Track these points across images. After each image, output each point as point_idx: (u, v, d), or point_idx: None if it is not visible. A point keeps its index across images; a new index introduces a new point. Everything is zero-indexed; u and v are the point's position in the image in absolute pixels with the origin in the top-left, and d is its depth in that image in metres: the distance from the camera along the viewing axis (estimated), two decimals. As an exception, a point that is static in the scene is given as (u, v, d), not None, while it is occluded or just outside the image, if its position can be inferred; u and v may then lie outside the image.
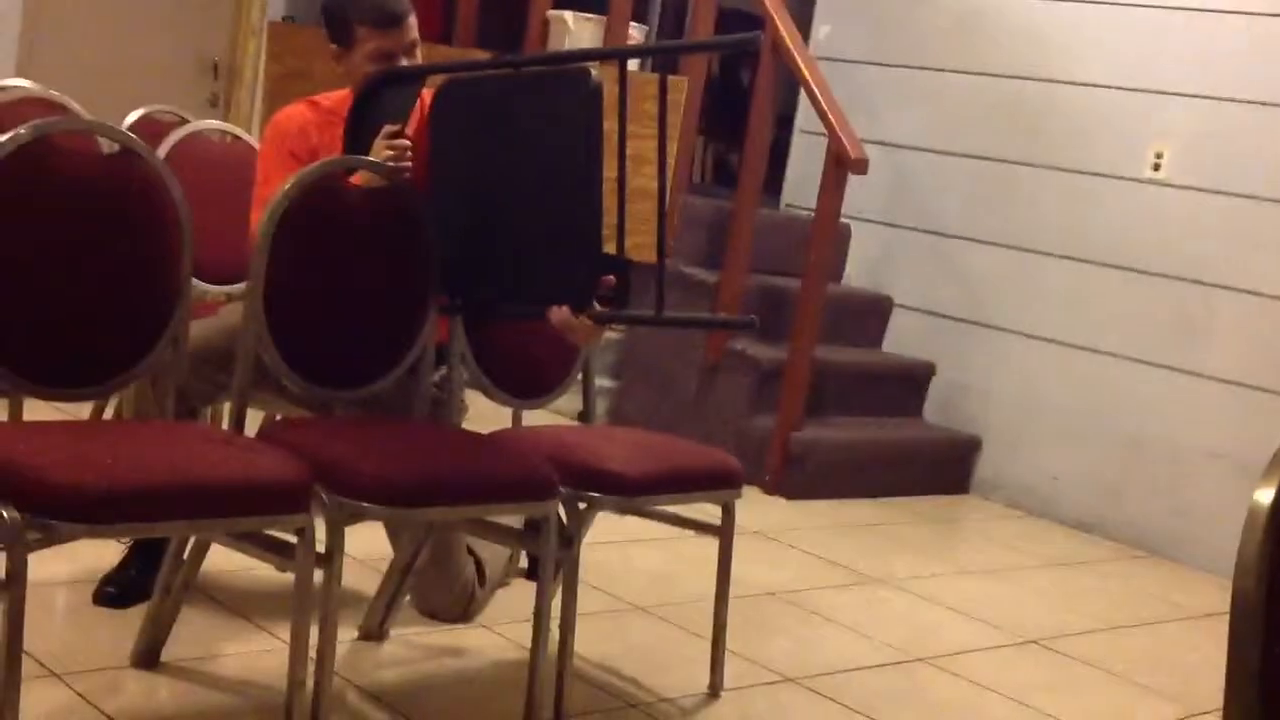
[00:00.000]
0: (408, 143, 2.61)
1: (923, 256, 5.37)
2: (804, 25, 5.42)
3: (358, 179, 2.62)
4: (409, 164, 2.60)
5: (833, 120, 4.52)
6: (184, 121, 3.77)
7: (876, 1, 5.56)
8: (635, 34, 5.32)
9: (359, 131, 2.65)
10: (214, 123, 3.95)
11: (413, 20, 2.74)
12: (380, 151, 2.58)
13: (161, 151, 3.36)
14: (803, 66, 4.65)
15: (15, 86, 3.75)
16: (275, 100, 5.82)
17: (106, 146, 2.49)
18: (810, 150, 5.42)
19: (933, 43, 5.37)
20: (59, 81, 4.88)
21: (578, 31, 5.27)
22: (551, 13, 5.34)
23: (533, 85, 2.44)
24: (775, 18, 4.66)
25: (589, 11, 5.32)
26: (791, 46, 4.64)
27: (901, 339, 5.42)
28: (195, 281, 2.69)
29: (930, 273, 5.34)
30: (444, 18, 5.80)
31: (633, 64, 5.27)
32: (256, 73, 5.90)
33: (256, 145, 3.79)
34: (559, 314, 2.37)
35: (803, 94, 5.07)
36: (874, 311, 5.46)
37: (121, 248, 2.43)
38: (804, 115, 5.55)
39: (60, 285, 2.36)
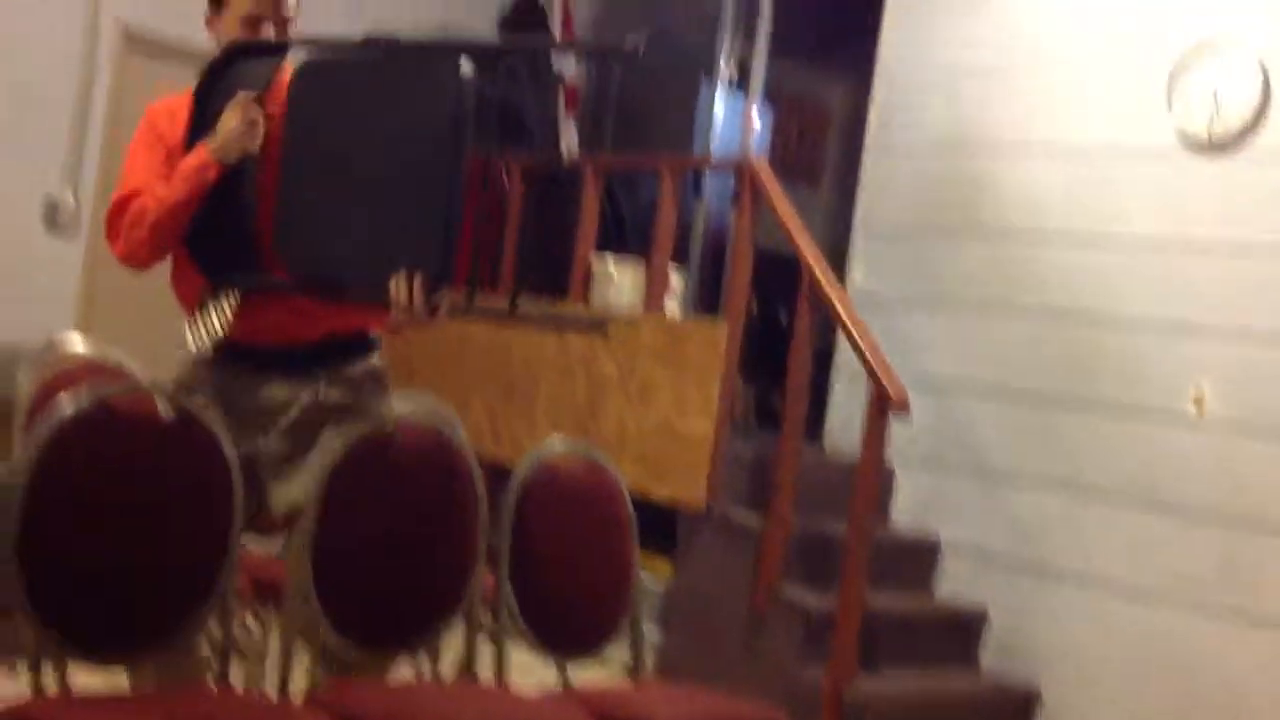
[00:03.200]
0: (259, 111, 2.48)
1: (971, 498, 5.32)
2: (839, 266, 5.52)
3: (205, 152, 2.46)
4: (259, 135, 2.48)
5: (873, 362, 4.55)
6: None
7: (913, 244, 5.67)
8: (675, 276, 5.43)
9: (208, 100, 2.52)
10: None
11: None
12: (229, 120, 2.46)
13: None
14: (840, 309, 4.71)
15: (73, 346, 3.84)
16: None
17: (164, 407, 2.53)
18: (851, 391, 5.44)
19: (972, 284, 5.43)
20: (117, 334, 5.03)
21: (619, 277, 5.39)
22: (594, 258, 5.47)
23: (401, 69, 2.46)
24: (811, 259, 4.75)
25: (629, 254, 5.45)
26: (828, 288, 4.72)
27: (953, 583, 5.32)
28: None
29: (979, 515, 5.28)
30: (489, 264, 5.95)
31: (673, 310, 5.37)
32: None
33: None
34: (400, 291, 2.32)
35: (841, 335, 5.13)
36: (923, 555, 5.38)
37: (177, 509, 2.46)
38: (843, 356, 5.59)
39: (117, 547, 2.37)
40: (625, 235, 6.08)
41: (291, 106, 2.45)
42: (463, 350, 5.56)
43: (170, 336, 5.33)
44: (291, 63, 2.54)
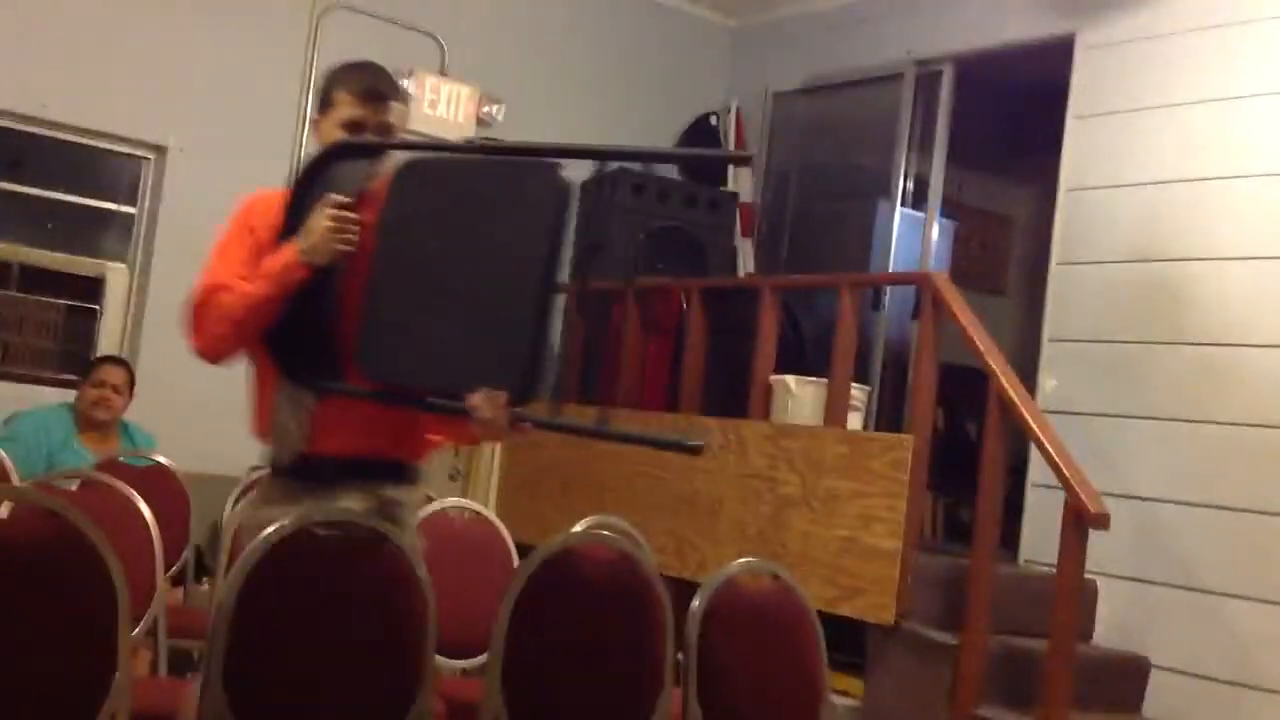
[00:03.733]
0: (353, 215, 2.40)
1: (1180, 614, 5.06)
2: (1028, 375, 5.40)
3: (293, 251, 2.40)
4: (352, 238, 2.40)
5: (1068, 475, 4.40)
6: (428, 500, 3.94)
7: (1105, 352, 5.51)
8: (858, 394, 5.38)
9: (304, 199, 2.45)
10: (455, 500, 4.10)
11: (397, 106, 2.57)
12: (320, 221, 2.39)
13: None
14: (1031, 421, 4.59)
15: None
16: (511, 474, 6.06)
17: (357, 533, 2.60)
18: (1045, 505, 5.27)
19: (1172, 392, 5.23)
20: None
21: (800, 394, 5.37)
22: (774, 378, 5.47)
23: (497, 174, 2.39)
24: (998, 370, 4.66)
25: (810, 375, 5.43)
26: (1018, 401, 4.61)
27: (1163, 703, 5.04)
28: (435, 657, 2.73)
29: (1190, 631, 5.02)
30: (668, 390, 6.00)
31: (855, 422, 5.32)
32: (491, 448, 6.16)
33: (496, 521, 3.95)
34: (481, 402, 2.23)
35: (1033, 448, 4.99)
36: (1130, 674, 5.12)
37: (374, 632, 2.51)
38: (1036, 469, 5.43)
39: (317, 669, 2.43)
40: (805, 353, 6.07)
41: (389, 205, 2.41)
42: (643, 469, 5.59)
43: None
44: (389, 168, 2.49)
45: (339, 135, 2.50)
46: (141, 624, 3.24)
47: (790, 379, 5.42)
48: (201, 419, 4.92)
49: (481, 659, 3.27)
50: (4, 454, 4.11)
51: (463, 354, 2.28)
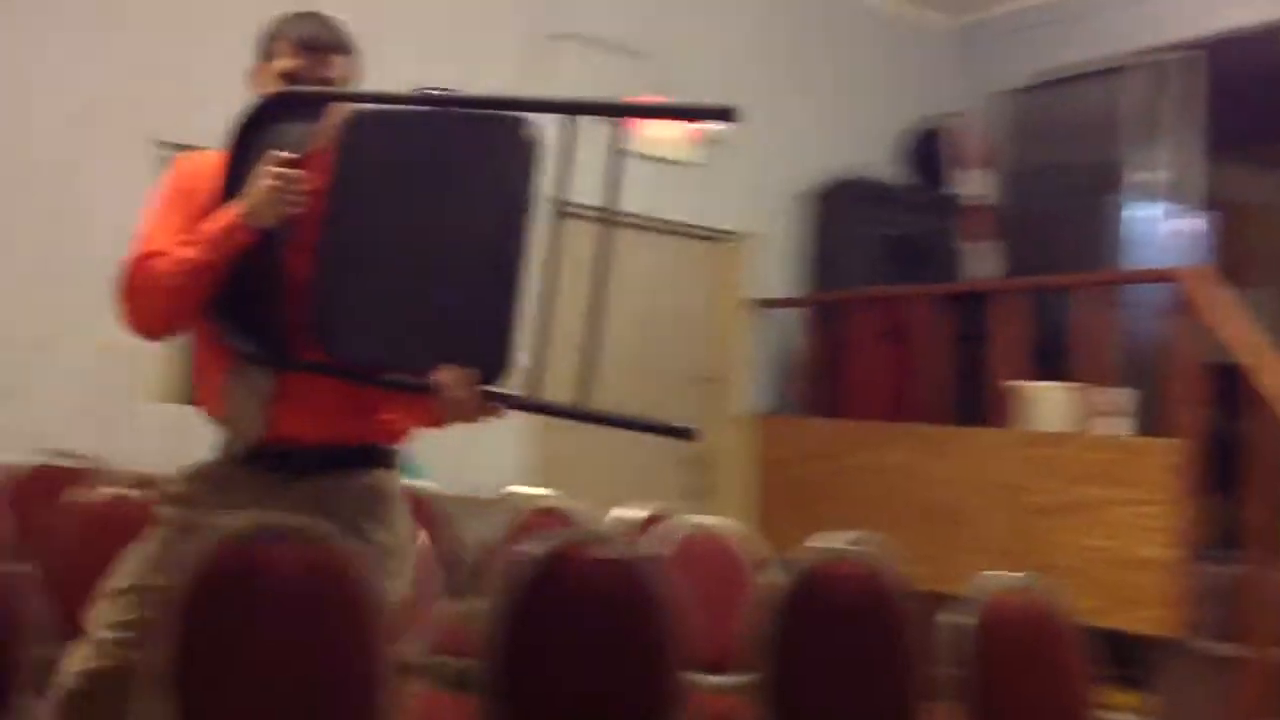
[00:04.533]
0: (297, 172, 2.16)
1: None
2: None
3: (234, 213, 2.15)
4: (298, 199, 2.16)
5: (1350, 473, 4.12)
6: (675, 516, 3.95)
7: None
8: (1117, 398, 5.16)
9: (243, 158, 2.20)
10: (703, 517, 4.09)
11: (339, 60, 2.30)
12: (263, 180, 2.14)
13: (656, 548, 3.51)
14: (1306, 418, 4.32)
15: (526, 496, 4.10)
16: (759, 491, 6.03)
17: (608, 552, 2.63)
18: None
19: None
20: (560, 480, 5.30)
21: (1047, 399, 5.17)
22: (1017, 383, 5.29)
23: (457, 129, 2.14)
24: (1269, 367, 4.40)
25: (1058, 379, 5.23)
26: (1291, 398, 4.34)
27: None
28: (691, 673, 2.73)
29: None
30: (909, 393, 5.87)
31: (1114, 427, 5.08)
32: (739, 464, 6.15)
33: (746, 540, 3.92)
34: (449, 381, 2.03)
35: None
36: None
37: (622, 649, 2.53)
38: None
39: (572, 686, 2.46)
40: (1051, 357, 5.85)
41: (337, 163, 2.18)
42: (878, 478, 5.49)
43: (602, 479, 5.60)
44: (336, 125, 2.24)
45: (271, 88, 2.27)
46: (411, 644, 3.33)
47: (1035, 384, 5.23)
48: (450, 444, 5.07)
49: (732, 677, 3.27)
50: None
51: (428, 328, 2.08)
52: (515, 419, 5.90)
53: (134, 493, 3.37)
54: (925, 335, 5.64)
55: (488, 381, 2.02)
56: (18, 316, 4.55)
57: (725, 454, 6.20)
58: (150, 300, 2.18)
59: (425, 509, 4.21)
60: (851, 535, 3.73)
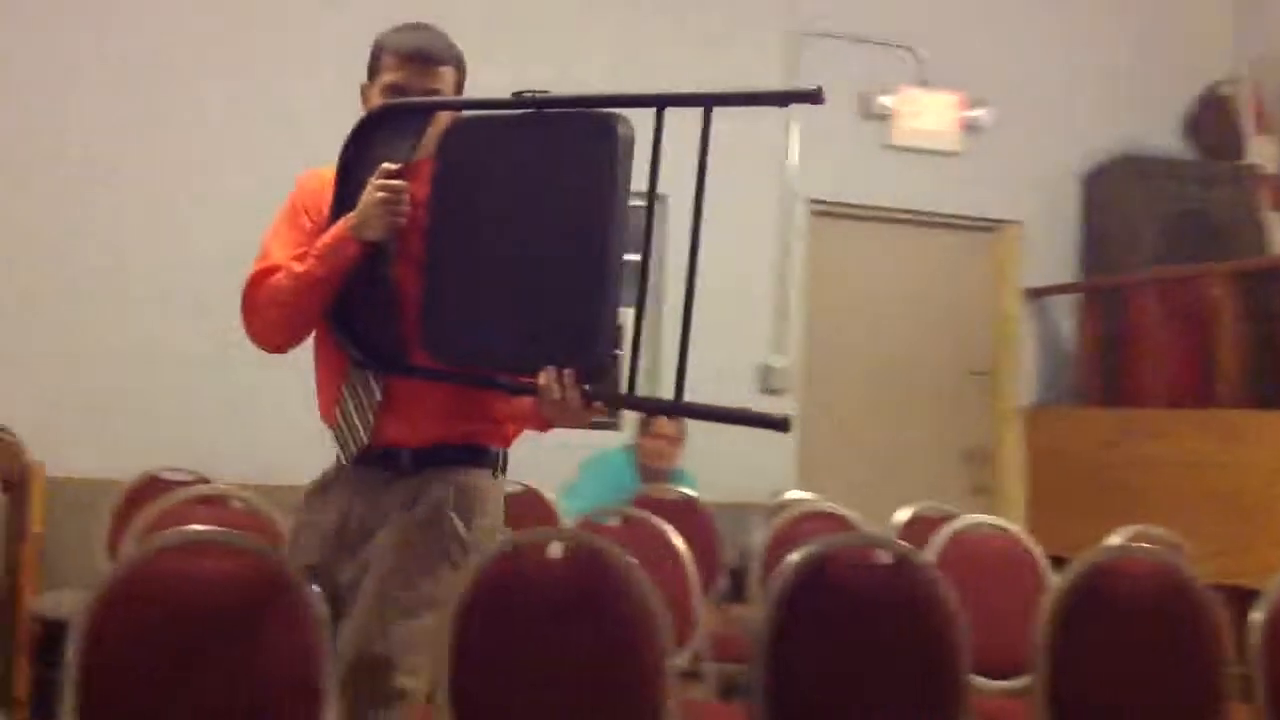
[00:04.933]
0: (402, 184, 2.20)
1: None
2: None
3: (343, 227, 2.21)
4: (404, 209, 2.21)
5: None
6: (951, 517, 3.87)
7: None
8: None
9: (352, 173, 2.26)
10: (979, 517, 3.99)
11: (446, 72, 2.31)
12: (373, 194, 2.19)
13: (929, 552, 3.46)
14: None
15: (797, 500, 4.10)
16: (1037, 485, 5.84)
17: (882, 555, 2.60)
18: None
19: None
20: (830, 483, 5.28)
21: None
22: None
23: (547, 129, 2.12)
24: None
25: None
26: None
27: None
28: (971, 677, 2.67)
29: None
30: (1203, 377, 5.56)
31: None
32: (1017, 459, 5.97)
33: (1022, 537, 3.81)
34: (549, 383, 2.01)
35: None
36: None
37: (899, 653, 2.50)
38: None
39: (853, 688, 2.45)
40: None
41: (438, 173, 2.22)
42: (1167, 468, 5.22)
43: (877, 480, 5.53)
44: (436, 134, 2.27)
45: (378, 102, 2.31)
46: (687, 650, 3.38)
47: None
48: (720, 452, 5.12)
49: (1015, 680, 3.17)
50: (572, 502, 4.41)
51: (528, 330, 2.08)
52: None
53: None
54: (1220, 315, 5.33)
55: (588, 380, 2.01)
56: (190, 335, 4.78)
57: (1002, 449, 6.03)
58: (268, 314, 2.27)
59: (693, 516, 4.27)
60: (1138, 529, 3.57)
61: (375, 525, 2.29)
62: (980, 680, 3.26)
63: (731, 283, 5.72)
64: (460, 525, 2.27)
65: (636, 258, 2.01)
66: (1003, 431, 6.03)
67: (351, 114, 2.32)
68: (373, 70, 2.34)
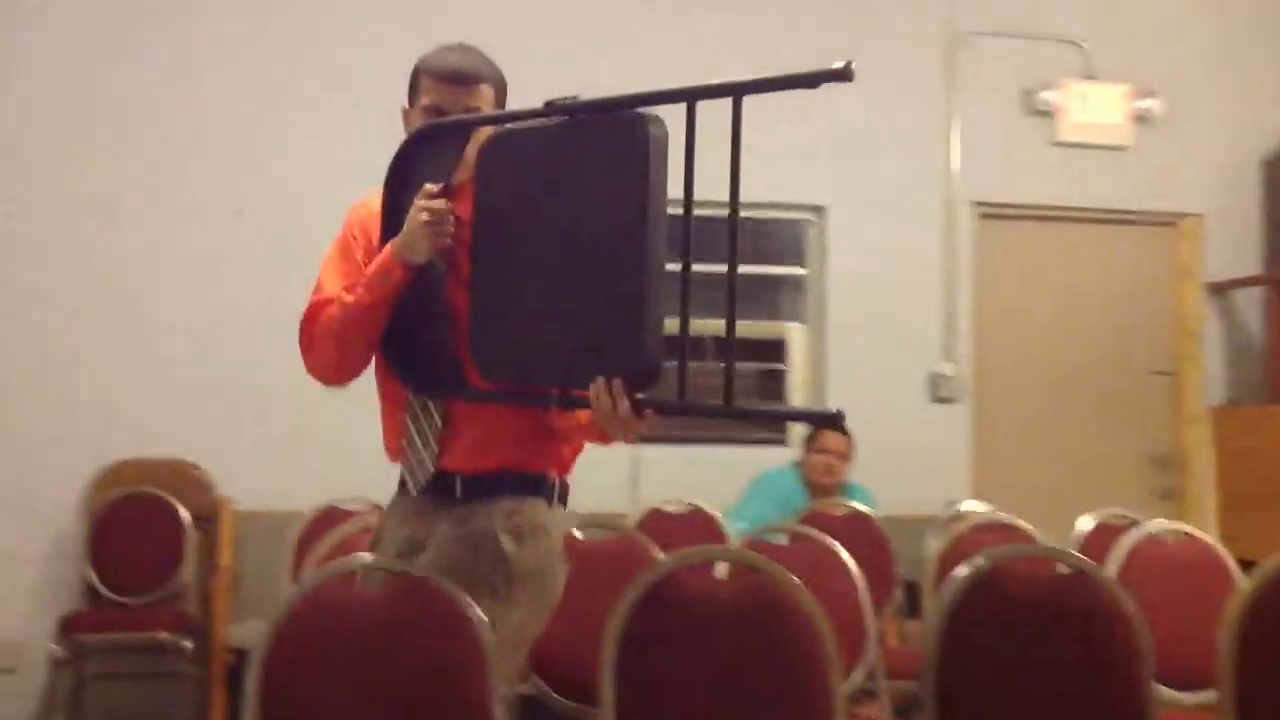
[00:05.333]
0: (446, 204, 2.18)
1: None
2: None
3: (389, 253, 2.19)
4: (449, 230, 2.18)
5: None
6: (1134, 524, 3.73)
7: None
8: None
9: (398, 198, 2.24)
10: (1163, 523, 3.84)
11: (484, 90, 2.29)
12: (416, 216, 2.17)
13: (1114, 560, 3.34)
14: None
15: (971, 511, 4.00)
16: (1225, 489, 5.59)
17: (1059, 566, 2.52)
18: None
19: None
20: (1009, 493, 5.14)
21: None
22: None
23: (581, 135, 2.05)
24: None
25: None
26: None
27: None
28: (1159, 688, 2.57)
29: None
30: None
31: None
32: (1204, 461, 5.73)
33: (1212, 543, 3.64)
34: (600, 394, 1.94)
35: None
36: None
37: (1080, 665, 2.41)
38: None
39: (1025, 702, 2.37)
40: None
41: (478, 190, 2.19)
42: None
43: (1060, 486, 5.36)
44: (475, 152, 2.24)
45: (419, 123, 2.29)
46: (860, 668, 3.32)
47: None
48: (893, 465, 5.04)
49: (1205, 692, 3.04)
50: (739, 522, 4.40)
51: (574, 342, 2.03)
52: (961, 433, 5.82)
53: (579, 533, 3.55)
54: None
55: (637, 389, 1.96)
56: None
57: (1189, 452, 5.80)
58: (324, 347, 2.26)
59: (864, 532, 4.20)
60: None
61: (425, 544, 2.29)
62: (1169, 692, 3.13)
63: (897, 290, 5.65)
64: (508, 549, 2.24)
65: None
66: (1189, 434, 5.79)
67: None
68: (412, 93, 2.33)
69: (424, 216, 2.16)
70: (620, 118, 1.99)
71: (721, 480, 4.84)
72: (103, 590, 4.79)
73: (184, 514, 4.86)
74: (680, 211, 1.92)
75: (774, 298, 5.84)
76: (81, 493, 4.94)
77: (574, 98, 2.05)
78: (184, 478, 4.94)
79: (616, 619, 2.40)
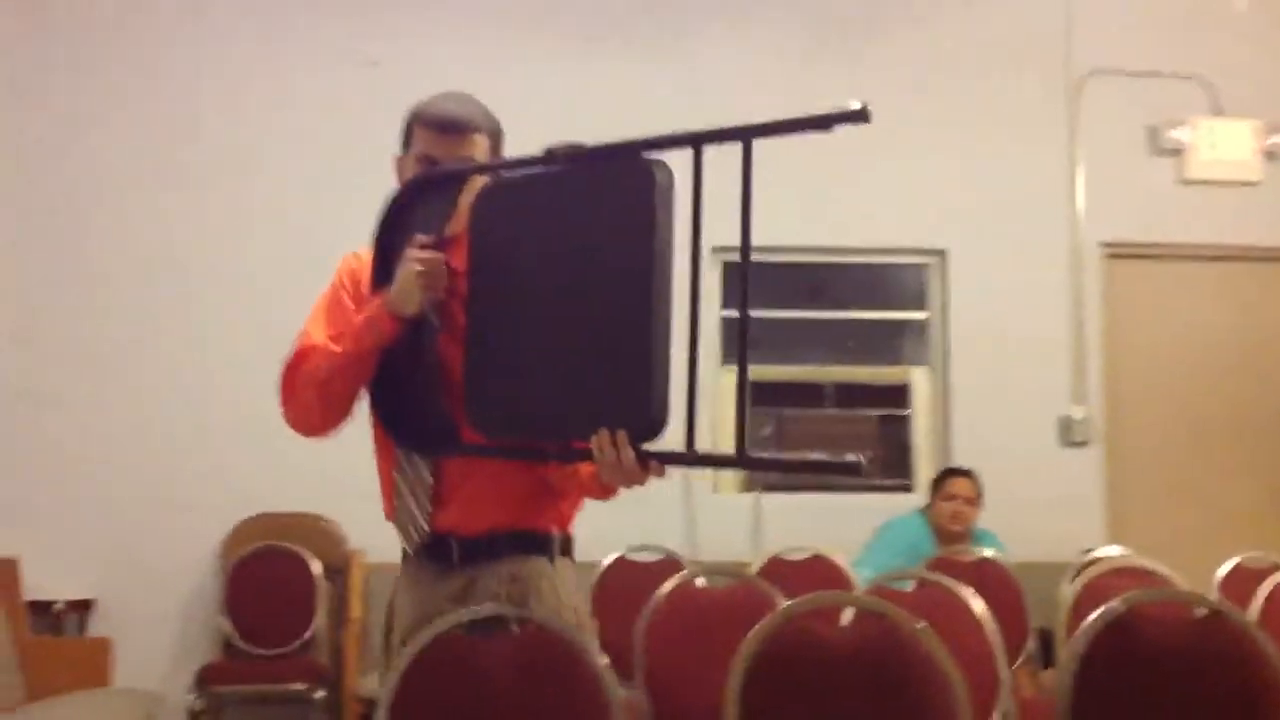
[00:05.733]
0: (439, 256, 2.09)
1: None
2: None
3: (378, 303, 2.11)
4: (441, 282, 2.10)
5: None
6: (1276, 567, 3.61)
7: None
8: None
9: (389, 248, 2.15)
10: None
11: (479, 140, 2.21)
12: (409, 266, 2.08)
13: (1256, 602, 3.23)
14: None
15: (1108, 556, 3.91)
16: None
17: (1196, 610, 2.44)
18: None
19: None
20: (1146, 537, 5.00)
21: None
22: None
23: (581, 180, 1.96)
24: None
25: None
26: None
27: None
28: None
29: None
30: None
31: None
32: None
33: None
34: (602, 446, 1.86)
35: None
36: None
37: (1218, 712, 2.33)
38: None
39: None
40: None
41: (473, 240, 2.11)
42: None
43: (1196, 535, 5.19)
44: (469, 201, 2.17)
45: (412, 173, 2.23)
46: (993, 717, 3.24)
47: None
48: (1025, 510, 4.94)
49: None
50: (865, 569, 4.33)
51: (575, 394, 1.95)
52: (1094, 477, 5.68)
53: (701, 580, 3.54)
54: None
55: (641, 439, 1.88)
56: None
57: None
58: (304, 396, 2.19)
59: (994, 578, 4.11)
60: None
61: (432, 616, 2.23)
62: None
63: (1025, 334, 5.56)
64: (523, 618, 2.20)
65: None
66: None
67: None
68: (406, 141, 2.27)
69: (417, 268, 2.09)
70: (625, 165, 1.92)
71: (845, 529, 4.78)
72: (238, 642, 4.90)
73: (315, 566, 4.97)
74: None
75: (896, 343, 5.78)
76: (217, 548, 5.09)
77: (576, 145, 1.99)
78: (314, 531, 5.05)
79: (738, 666, 2.37)
